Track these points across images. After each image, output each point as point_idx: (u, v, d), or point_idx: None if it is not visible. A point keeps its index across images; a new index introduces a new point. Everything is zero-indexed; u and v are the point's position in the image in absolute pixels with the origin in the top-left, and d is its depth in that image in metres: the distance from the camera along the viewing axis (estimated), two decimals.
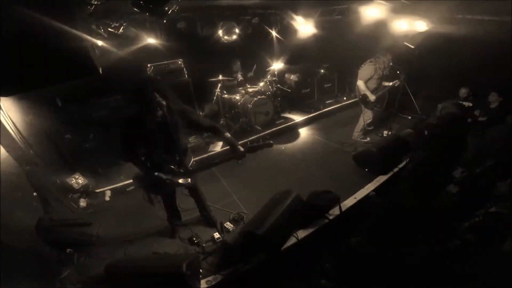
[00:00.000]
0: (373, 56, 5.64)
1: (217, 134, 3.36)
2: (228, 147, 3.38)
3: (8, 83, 3.19)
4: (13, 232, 3.13)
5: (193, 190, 3.71)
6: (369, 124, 6.41)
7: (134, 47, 5.47)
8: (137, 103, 2.77)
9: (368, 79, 5.65)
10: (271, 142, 3.07)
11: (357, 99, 6.32)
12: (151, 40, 5.48)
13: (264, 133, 6.74)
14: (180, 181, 3.12)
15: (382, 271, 3.08)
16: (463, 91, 5.50)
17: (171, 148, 3.01)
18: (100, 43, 4.61)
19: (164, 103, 2.74)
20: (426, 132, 4.58)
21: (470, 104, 5.49)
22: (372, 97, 5.65)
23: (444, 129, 3.82)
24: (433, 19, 5.59)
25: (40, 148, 4.72)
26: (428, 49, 6.33)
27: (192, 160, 3.46)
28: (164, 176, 2.98)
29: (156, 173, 2.96)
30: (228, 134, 3.24)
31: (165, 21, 5.02)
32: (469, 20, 5.14)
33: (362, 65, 5.71)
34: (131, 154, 3.01)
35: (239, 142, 3.19)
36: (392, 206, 4.12)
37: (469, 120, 5.46)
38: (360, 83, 5.73)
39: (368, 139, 6.33)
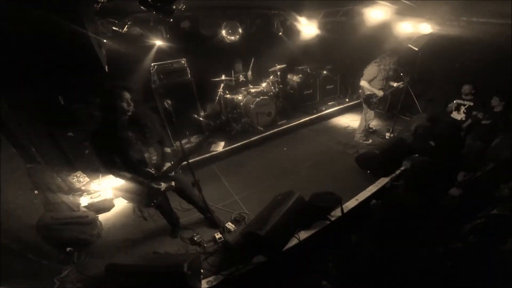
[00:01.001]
0: (379, 57, 5.65)
1: (161, 144, 3.36)
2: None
3: (11, 79, 3.21)
4: (14, 231, 3.13)
5: (181, 192, 3.66)
6: (370, 126, 6.40)
7: (138, 46, 5.47)
8: (108, 106, 2.83)
9: (372, 79, 5.67)
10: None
11: (359, 100, 6.31)
12: (154, 39, 5.48)
13: (264, 134, 6.76)
14: (163, 185, 3.15)
15: (383, 273, 3.07)
16: (466, 88, 5.44)
17: (144, 151, 3.06)
18: (104, 41, 4.60)
19: (131, 103, 2.86)
20: (433, 143, 4.56)
21: (471, 103, 5.45)
22: (380, 93, 5.68)
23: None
24: (438, 21, 5.57)
25: (42, 145, 4.71)
26: (432, 52, 6.32)
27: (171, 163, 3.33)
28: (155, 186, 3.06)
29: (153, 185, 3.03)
30: (167, 149, 3.32)
31: (171, 20, 5.01)
32: (474, 22, 5.12)
33: (367, 66, 5.73)
34: (110, 165, 2.96)
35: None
36: (394, 208, 4.12)
37: (470, 120, 5.43)
38: (363, 83, 5.76)
39: (370, 140, 6.31)
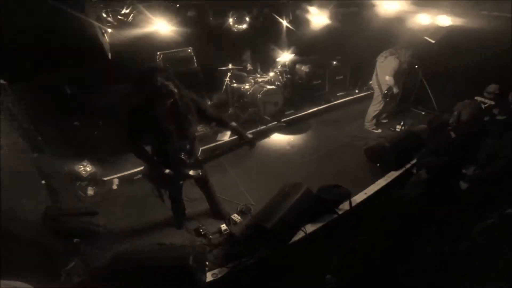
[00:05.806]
0: (393, 47, 5.48)
1: (223, 124, 3.34)
2: (236, 136, 3.35)
3: (16, 68, 3.17)
4: (20, 222, 3.11)
5: (202, 182, 3.65)
6: (381, 115, 6.29)
7: (144, 34, 5.40)
8: (145, 91, 2.67)
9: (395, 73, 5.52)
10: (284, 124, 3.03)
11: (368, 92, 6.17)
12: (161, 28, 5.41)
13: (272, 123, 6.66)
14: (191, 172, 3.08)
15: (387, 269, 3.03)
16: (491, 87, 5.21)
17: (182, 137, 2.96)
18: (109, 30, 4.55)
19: (176, 91, 2.69)
20: (453, 135, 4.42)
21: (492, 103, 5.26)
22: (396, 90, 5.57)
23: (471, 132, 3.75)
24: (457, 14, 5.36)
25: (48, 135, 4.71)
26: (449, 45, 6.10)
27: (200, 150, 3.40)
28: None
29: (167, 171, 2.91)
30: (234, 124, 3.23)
31: (178, 5, 4.94)
32: (495, 17, 4.91)
33: (381, 57, 5.56)
34: (138, 147, 2.92)
35: (247, 132, 3.17)
36: (402, 205, 4.05)
37: (487, 118, 5.27)
38: (389, 79, 5.58)
39: (380, 130, 6.23)
